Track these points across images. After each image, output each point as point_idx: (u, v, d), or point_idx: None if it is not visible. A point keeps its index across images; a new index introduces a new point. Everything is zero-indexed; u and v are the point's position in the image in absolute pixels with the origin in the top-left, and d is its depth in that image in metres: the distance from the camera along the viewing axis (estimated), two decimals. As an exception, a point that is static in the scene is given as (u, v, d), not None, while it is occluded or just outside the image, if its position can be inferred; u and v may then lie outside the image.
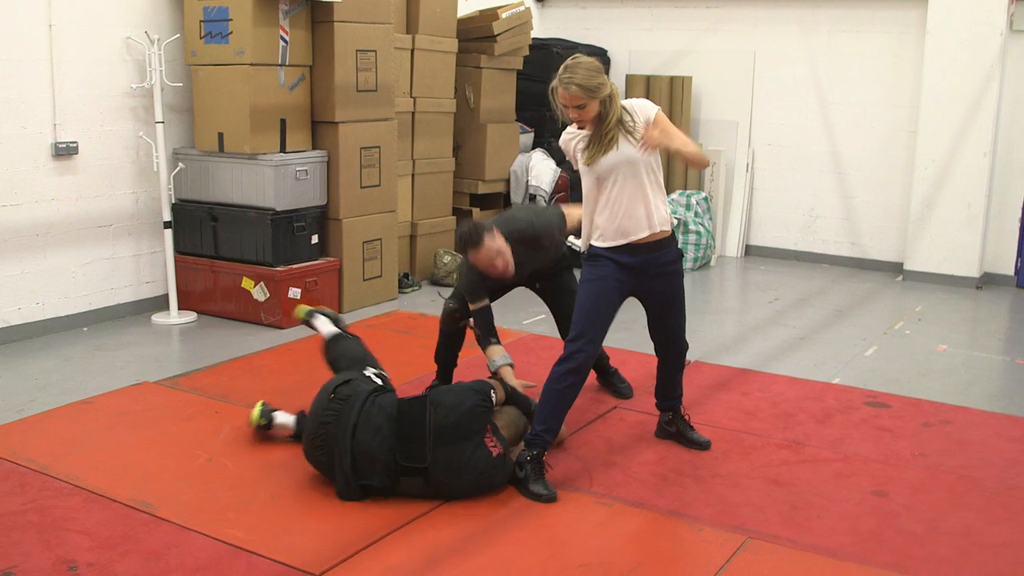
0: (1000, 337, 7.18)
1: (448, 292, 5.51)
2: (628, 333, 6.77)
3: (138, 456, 4.46)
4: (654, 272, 4.39)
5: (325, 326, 5.02)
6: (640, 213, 4.26)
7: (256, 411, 4.63)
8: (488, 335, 4.89)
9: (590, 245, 4.37)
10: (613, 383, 5.48)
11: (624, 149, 4.21)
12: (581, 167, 4.31)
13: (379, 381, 4.39)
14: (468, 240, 4.69)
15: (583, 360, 4.24)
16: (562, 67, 4.11)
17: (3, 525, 3.77)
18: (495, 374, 4.75)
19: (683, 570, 3.56)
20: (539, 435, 4.22)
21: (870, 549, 3.76)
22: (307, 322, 5.16)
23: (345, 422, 4.03)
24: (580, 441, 4.72)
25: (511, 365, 4.79)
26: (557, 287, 5.20)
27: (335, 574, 3.50)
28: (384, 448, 4.01)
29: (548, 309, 5.36)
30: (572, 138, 4.33)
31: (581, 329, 4.26)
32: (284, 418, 4.62)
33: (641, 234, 4.28)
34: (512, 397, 4.51)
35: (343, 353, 4.74)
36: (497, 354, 4.82)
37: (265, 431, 4.63)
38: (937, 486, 4.35)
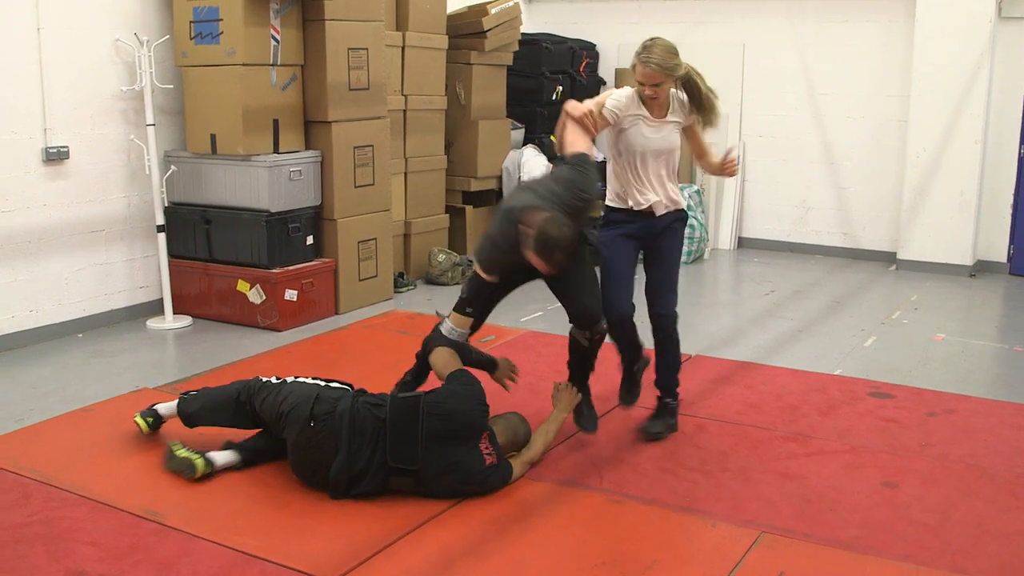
0: (996, 324, 7.20)
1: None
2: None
3: (143, 464, 4.40)
4: (657, 229, 4.70)
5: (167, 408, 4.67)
6: (652, 187, 4.61)
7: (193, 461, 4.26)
8: (465, 305, 4.46)
9: (605, 206, 4.73)
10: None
11: (668, 133, 4.59)
12: (622, 127, 4.53)
13: (334, 385, 4.28)
14: (562, 242, 4.12)
15: (613, 322, 4.61)
16: (640, 47, 4.37)
17: (9, 538, 3.72)
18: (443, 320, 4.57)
19: (700, 567, 3.53)
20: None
21: (884, 541, 3.75)
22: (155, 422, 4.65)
23: (336, 440, 3.99)
24: (587, 439, 4.69)
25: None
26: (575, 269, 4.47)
27: (349, 579, 3.47)
28: (377, 452, 3.99)
29: (558, 298, 4.63)
30: (630, 97, 4.53)
31: (605, 297, 4.58)
32: (222, 457, 4.34)
33: (654, 208, 4.62)
34: (464, 352, 4.49)
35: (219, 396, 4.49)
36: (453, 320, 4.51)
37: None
38: (946, 476, 4.34)
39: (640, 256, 4.81)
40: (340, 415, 4.02)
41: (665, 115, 4.57)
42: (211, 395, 4.49)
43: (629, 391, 4.87)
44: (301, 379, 4.31)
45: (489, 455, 4.08)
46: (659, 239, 4.71)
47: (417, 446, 3.97)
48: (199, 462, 4.19)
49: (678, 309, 4.86)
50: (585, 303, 4.48)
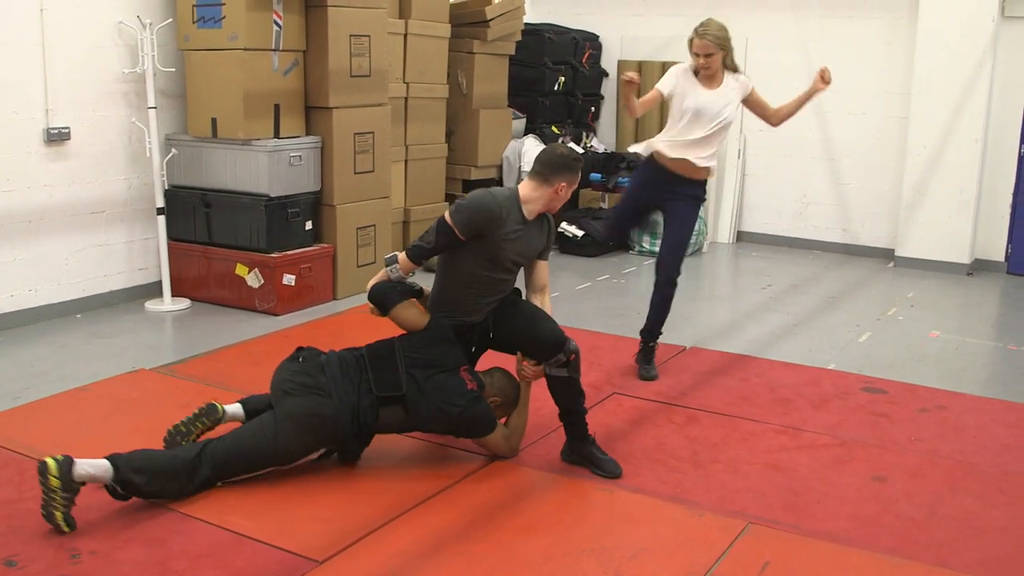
0: (992, 323, 7.22)
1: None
2: (623, 319, 6.79)
3: (137, 443, 4.37)
4: (678, 194, 5.38)
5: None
6: (690, 152, 5.30)
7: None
8: (421, 256, 4.38)
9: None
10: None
11: (720, 106, 5.28)
12: (677, 95, 5.29)
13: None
14: (569, 161, 4.36)
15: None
16: (698, 24, 5.20)
17: (3, 514, 3.74)
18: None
19: (686, 555, 3.56)
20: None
21: (871, 534, 3.78)
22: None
23: (330, 385, 4.05)
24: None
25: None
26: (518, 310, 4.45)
27: (338, 561, 3.50)
28: (362, 386, 4.06)
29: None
30: (681, 66, 5.34)
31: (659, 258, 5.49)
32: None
33: (680, 168, 5.34)
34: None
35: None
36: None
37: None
38: (935, 471, 4.37)
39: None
40: (327, 362, 4.12)
41: (717, 88, 5.31)
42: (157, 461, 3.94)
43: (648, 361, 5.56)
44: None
45: (470, 381, 4.17)
46: (678, 197, 5.39)
47: (398, 372, 4.09)
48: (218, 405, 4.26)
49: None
50: (546, 328, 4.24)
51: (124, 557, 3.47)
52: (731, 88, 5.34)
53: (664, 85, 5.31)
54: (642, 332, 5.60)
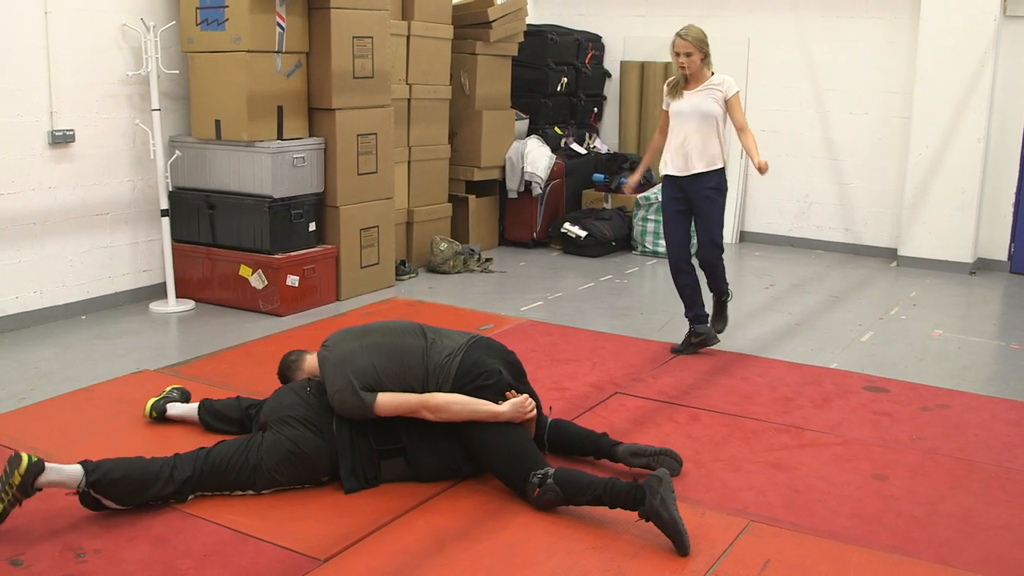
0: (994, 322, 7.22)
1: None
2: (626, 319, 6.81)
3: (141, 444, 4.44)
4: (695, 196, 5.83)
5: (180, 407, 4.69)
6: (688, 152, 5.76)
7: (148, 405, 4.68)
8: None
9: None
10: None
11: (699, 101, 5.74)
12: (671, 106, 5.83)
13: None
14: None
15: (672, 265, 6.02)
16: (680, 28, 5.70)
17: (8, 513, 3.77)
18: None
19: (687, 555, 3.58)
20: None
21: (871, 532, 3.80)
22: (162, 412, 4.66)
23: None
24: (582, 426, 4.73)
25: None
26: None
27: (341, 559, 3.52)
28: (362, 442, 4.03)
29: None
30: (670, 81, 5.88)
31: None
32: (179, 409, 4.64)
33: (684, 170, 5.80)
34: None
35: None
36: None
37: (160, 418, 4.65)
38: (936, 469, 4.38)
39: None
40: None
41: (699, 87, 5.75)
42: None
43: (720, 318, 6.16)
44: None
45: None
46: (697, 199, 5.85)
47: (398, 426, 4.08)
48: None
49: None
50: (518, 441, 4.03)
51: (129, 556, 3.49)
52: (714, 84, 5.76)
53: (664, 104, 5.92)
54: (713, 291, 6.15)
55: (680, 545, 3.54)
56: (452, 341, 4.16)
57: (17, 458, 3.60)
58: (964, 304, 7.62)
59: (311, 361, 4.31)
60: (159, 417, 4.65)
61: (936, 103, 8.45)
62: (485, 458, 4.02)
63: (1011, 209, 8.59)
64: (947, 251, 8.59)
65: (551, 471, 3.84)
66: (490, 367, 4.06)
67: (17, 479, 3.57)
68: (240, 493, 3.96)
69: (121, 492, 3.76)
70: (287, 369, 4.43)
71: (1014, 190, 8.55)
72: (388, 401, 3.95)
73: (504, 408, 3.97)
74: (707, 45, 5.73)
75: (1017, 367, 5.99)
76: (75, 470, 3.71)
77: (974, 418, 5.03)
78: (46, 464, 3.64)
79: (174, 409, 4.65)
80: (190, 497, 3.89)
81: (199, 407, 4.58)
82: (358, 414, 3.96)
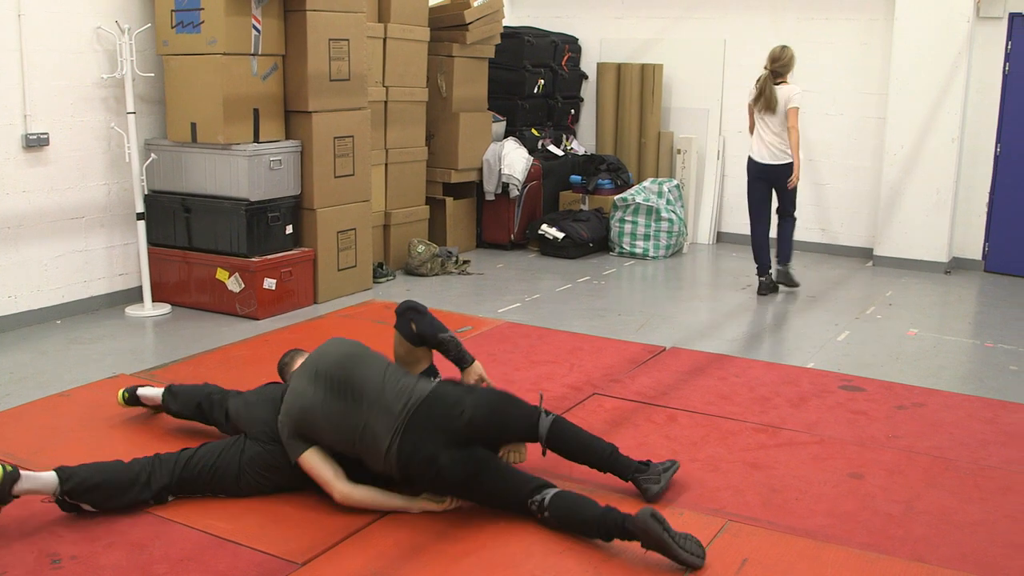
0: (969, 321, 7.28)
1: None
2: (603, 320, 6.82)
3: (116, 448, 4.42)
4: (771, 177, 7.52)
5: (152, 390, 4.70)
6: (768, 143, 7.46)
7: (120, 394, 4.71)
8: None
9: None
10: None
11: (780, 98, 7.35)
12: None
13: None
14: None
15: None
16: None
17: (-16, 519, 3.75)
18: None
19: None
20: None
21: (848, 530, 3.82)
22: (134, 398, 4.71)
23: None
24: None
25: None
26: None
27: (319, 563, 3.51)
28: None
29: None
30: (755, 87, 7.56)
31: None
32: (149, 391, 4.68)
33: (763, 158, 7.51)
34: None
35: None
36: None
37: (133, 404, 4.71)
38: (912, 467, 4.41)
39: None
40: None
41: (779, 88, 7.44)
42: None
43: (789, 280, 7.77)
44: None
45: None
46: (776, 183, 7.58)
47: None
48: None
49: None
50: (520, 416, 3.96)
51: (105, 562, 3.47)
52: (786, 89, 7.39)
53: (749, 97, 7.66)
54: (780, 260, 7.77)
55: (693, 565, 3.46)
56: (391, 412, 3.80)
57: None
58: (939, 303, 7.68)
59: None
60: (131, 398, 4.69)
61: (911, 104, 8.51)
62: (478, 501, 3.86)
63: (985, 209, 8.67)
64: (922, 251, 8.66)
65: (547, 498, 3.69)
66: (425, 457, 3.73)
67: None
68: (223, 496, 3.95)
69: (97, 498, 3.76)
70: (281, 371, 4.43)
71: (988, 190, 8.63)
72: (308, 464, 3.85)
73: (415, 507, 3.86)
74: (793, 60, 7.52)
75: (992, 365, 6.04)
76: (50, 478, 3.70)
77: (949, 416, 5.06)
78: (21, 472, 3.63)
79: (144, 390, 4.70)
80: (170, 499, 3.89)
81: (164, 391, 4.58)
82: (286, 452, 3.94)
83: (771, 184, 7.56)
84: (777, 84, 7.36)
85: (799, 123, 7.35)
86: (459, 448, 3.73)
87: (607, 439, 4.40)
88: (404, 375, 3.96)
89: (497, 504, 3.82)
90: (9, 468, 3.62)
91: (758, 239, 7.69)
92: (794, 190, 7.54)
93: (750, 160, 7.56)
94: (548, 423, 3.91)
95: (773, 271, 7.72)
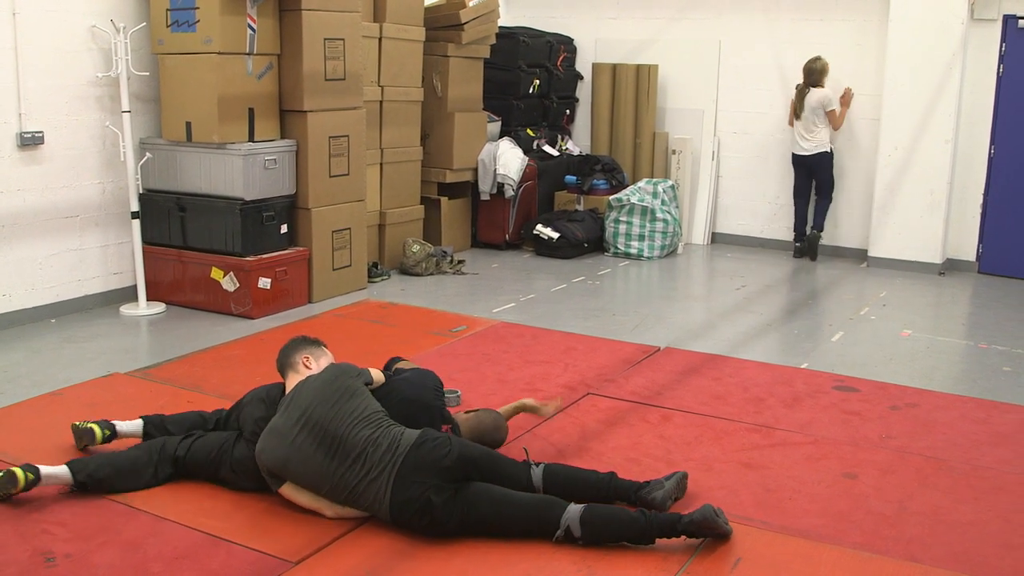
0: (963, 322, 7.29)
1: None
2: (598, 321, 6.83)
3: (111, 447, 4.42)
4: (809, 165, 8.88)
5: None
6: (801, 136, 8.88)
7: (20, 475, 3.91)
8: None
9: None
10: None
11: (810, 102, 8.74)
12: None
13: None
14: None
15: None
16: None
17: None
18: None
19: (658, 553, 3.59)
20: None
21: (841, 530, 3.83)
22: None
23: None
24: (554, 427, 4.75)
25: None
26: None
27: (313, 562, 3.51)
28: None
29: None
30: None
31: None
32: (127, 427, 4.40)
33: (799, 150, 8.96)
34: None
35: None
36: None
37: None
38: (905, 468, 4.42)
39: None
40: None
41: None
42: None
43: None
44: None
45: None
46: (814, 170, 8.96)
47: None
48: (97, 430, 4.31)
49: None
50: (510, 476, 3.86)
51: (99, 560, 3.47)
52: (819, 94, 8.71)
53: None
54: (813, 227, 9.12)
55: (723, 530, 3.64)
56: (383, 468, 3.70)
57: (12, 477, 3.77)
58: (933, 304, 7.69)
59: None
60: (112, 435, 4.34)
61: (905, 105, 8.53)
62: (493, 534, 3.71)
63: (979, 210, 8.68)
64: (916, 252, 8.67)
65: (572, 523, 3.61)
66: (418, 504, 3.65)
67: (11, 491, 3.81)
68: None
69: (106, 489, 3.96)
70: (281, 368, 4.33)
71: (982, 191, 8.64)
72: (291, 495, 3.83)
73: None
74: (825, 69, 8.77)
75: (985, 366, 6.06)
76: (64, 472, 3.93)
77: (942, 417, 5.07)
78: (41, 473, 3.87)
79: (122, 426, 4.38)
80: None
81: (144, 422, 4.39)
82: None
83: (808, 170, 8.97)
84: (809, 89, 8.78)
85: (842, 121, 8.89)
86: (452, 485, 3.66)
87: (601, 439, 4.41)
88: (391, 425, 3.84)
89: (514, 533, 3.67)
90: (31, 476, 3.81)
91: (798, 212, 9.19)
92: (830, 177, 8.95)
93: (792, 152, 9.04)
94: (540, 474, 3.86)
95: (805, 241, 9.15)
